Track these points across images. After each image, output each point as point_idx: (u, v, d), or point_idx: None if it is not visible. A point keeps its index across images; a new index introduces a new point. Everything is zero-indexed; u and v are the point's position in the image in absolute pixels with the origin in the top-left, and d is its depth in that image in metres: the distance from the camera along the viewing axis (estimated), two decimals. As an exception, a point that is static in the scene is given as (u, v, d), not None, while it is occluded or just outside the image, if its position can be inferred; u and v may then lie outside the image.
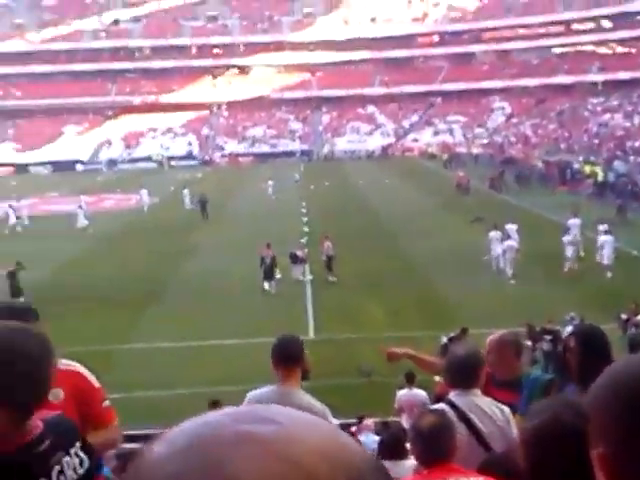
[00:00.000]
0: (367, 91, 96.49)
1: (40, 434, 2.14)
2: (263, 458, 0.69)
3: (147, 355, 20.75)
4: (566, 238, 28.22)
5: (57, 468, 2.14)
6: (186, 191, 48.83)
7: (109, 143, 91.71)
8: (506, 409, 4.89)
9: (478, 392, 4.91)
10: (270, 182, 52.66)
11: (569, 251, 27.79)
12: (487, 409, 4.82)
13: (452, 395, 4.89)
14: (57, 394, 3.51)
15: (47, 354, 2.15)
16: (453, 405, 4.72)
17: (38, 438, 2.13)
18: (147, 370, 19.46)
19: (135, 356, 20.75)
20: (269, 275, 27.48)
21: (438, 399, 5.91)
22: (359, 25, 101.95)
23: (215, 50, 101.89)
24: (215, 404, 13.62)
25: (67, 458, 2.19)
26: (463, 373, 4.87)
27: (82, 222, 41.16)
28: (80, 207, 42.56)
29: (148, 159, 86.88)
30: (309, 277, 28.72)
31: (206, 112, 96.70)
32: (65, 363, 3.76)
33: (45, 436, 2.15)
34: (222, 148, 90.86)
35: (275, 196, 50.66)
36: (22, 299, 25.03)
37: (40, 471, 2.10)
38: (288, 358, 5.08)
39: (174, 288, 28.20)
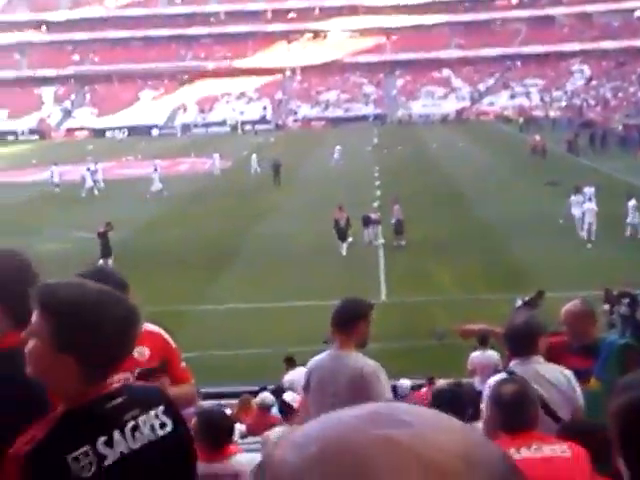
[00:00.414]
0: (442, 54, 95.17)
1: (115, 390, 2.21)
2: (406, 466, 0.67)
3: (221, 316, 20.96)
4: (632, 203, 27.75)
5: (132, 424, 2.17)
6: (254, 156, 48.88)
7: (184, 108, 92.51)
8: (571, 375, 4.79)
9: (540, 359, 4.81)
10: (338, 147, 52.23)
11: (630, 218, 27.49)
12: (551, 376, 4.72)
13: (513, 364, 4.81)
14: (143, 352, 3.71)
15: (133, 320, 2.21)
16: (513, 374, 4.62)
17: (112, 394, 2.18)
18: (221, 330, 19.66)
19: (209, 317, 20.97)
20: (343, 237, 27.54)
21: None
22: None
23: (290, 15, 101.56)
24: (290, 360, 13.74)
25: (144, 417, 2.21)
26: (521, 341, 4.81)
27: (157, 185, 41.62)
28: (155, 170, 43.04)
29: (222, 123, 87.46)
30: (381, 240, 28.58)
31: (280, 76, 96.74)
32: (147, 325, 3.88)
33: (120, 393, 2.21)
34: (295, 112, 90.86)
35: (343, 161, 50.30)
36: (111, 260, 25.61)
37: (111, 424, 2.14)
38: (342, 323, 5.08)
39: (248, 251, 28.40)
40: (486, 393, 4.63)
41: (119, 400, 2.19)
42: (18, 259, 2.70)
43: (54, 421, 2.12)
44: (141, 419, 2.20)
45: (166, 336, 3.99)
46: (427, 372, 13.69)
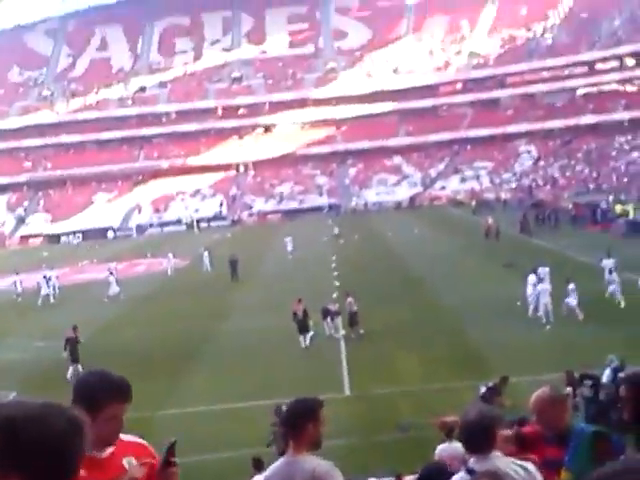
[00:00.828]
0: (392, 142, 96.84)
1: None
2: None
3: (186, 420, 20.58)
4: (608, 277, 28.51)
5: None
6: (206, 254, 49.06)
7: (139, 209, 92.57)
8: (532, 468, 4.73)
9: (498, 454, 4.74)
10: (288, 238, 52.58)
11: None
12: (510, 471, 4.64)
13: (471, 462, 4.72)
14: (131, 462, 3.73)
15: (77, 432, 2.14)
16: (473, 472, 4.56)
17: None
18: (187, 435, 19.26)
19: (174, 421, 20.58)
20: (303, 329, 27.44)
21: None
22: (382, 77, 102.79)
23: (240, 110, 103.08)
24: (257, 461, 13.49)
25: None
26: (478, 437, 4.70)
27: (114, 289, 41.36)
28: (111, 274, 42.80)
29: (178, 222, 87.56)
30: (342, 332, 28.51)
31: (233, 172, 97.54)
32: (127, 436, 3.87)
33: None
34: (250, 207, 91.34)
35: (298, 253, 50.54)
36: (79, 365, 25.11)
37: None
38: (290, 425, 5.01)
39: (209, 350, 28.14)
40: None
41: None
42: None
43: None
44: None
45: (152, 450, 3.94)
46: (394, 467, 13.51)
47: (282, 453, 15.52)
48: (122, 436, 3.83)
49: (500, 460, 4.70)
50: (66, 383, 23.22)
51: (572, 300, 26.86)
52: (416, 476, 12.32)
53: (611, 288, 28.82)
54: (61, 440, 2.08)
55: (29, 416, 2.07)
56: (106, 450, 3.77)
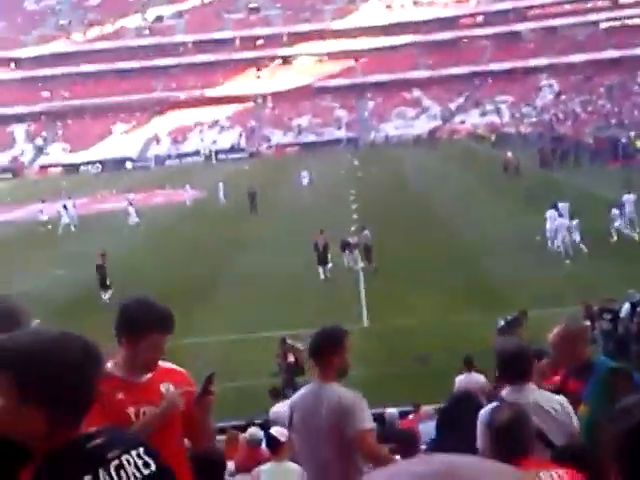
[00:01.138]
0: (412, 75, 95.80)
1: (95, 431, 2.20)
2: None
3: (204, 348, 20.80)
4: (614, 212, 28.28)
5: (115, 462, 2.16)
6: (221, 185, 49.05)
7: (157, 139, 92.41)
8: (564, 401, 4.74)
9: (532, 386, 4.75)
10: (304, 173, 52.51)
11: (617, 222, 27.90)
12: (545, 404, 4.66)
13: (505, 392, 4.74)
14: (169, 389, 3.84)
15: (92, 361, 2.19)
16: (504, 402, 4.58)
17: (91, 434, 2.18)
18: (205, 364, 19.49)
19: (192, 350, 20.79)
20: (323, 261, 27.62)
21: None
22: (402, 9, 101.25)
23: (258, 42, 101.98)
24: (275, 392, 13.69)
25: (126, 456, 2.20)
26: (515, 368, 4.72)
27: (133, 219, 41.59)
28: (131, 204, 42.95)
29: (196, 153, 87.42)
30: (361, 265, 28.60)
31: (251, 104, 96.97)
32: (165, 363, 4.00)
33: (99, 434, 2.20)
34: (268, 139, 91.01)
35: (314, 186, 50.49)
36: (110, 292, 25.81)
37: (95, 463, 2.13)
38: (318, 354, 5.06)
39: (228, 281, 28.32)
40: (480, 420, 4.61)
41: (98, 440, 2.18)
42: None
43: (38, 464, 2.11)
44: (124, 458, 2.19)
45: (190, 377, 4.06)
46: (412, 398, 13.67)
47: (288, 384, 15.73)
48: (162, 363, 3.94)
49: (534, 393, 4.72)
50: (86, 310, 23.52)
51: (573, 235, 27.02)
52: (435, 406, 12.50)
53: (629, 224, 28.71)
54: (76, 370, 2.12)
55: (44, 348, 2.11)
56: (145, 376, 3.83)
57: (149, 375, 3.86)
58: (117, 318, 3.79)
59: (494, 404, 4.66)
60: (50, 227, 42.96)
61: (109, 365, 3.81)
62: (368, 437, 4.90)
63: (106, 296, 26.03)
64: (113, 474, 2.15)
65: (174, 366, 4.06)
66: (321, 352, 5.03)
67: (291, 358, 17.48)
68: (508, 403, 4.48)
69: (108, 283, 26.43)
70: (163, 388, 3.85)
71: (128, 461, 2.19)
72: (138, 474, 2.20)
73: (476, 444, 4.47)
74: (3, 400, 2.09)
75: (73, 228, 42.53)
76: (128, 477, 2.18)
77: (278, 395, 13.40)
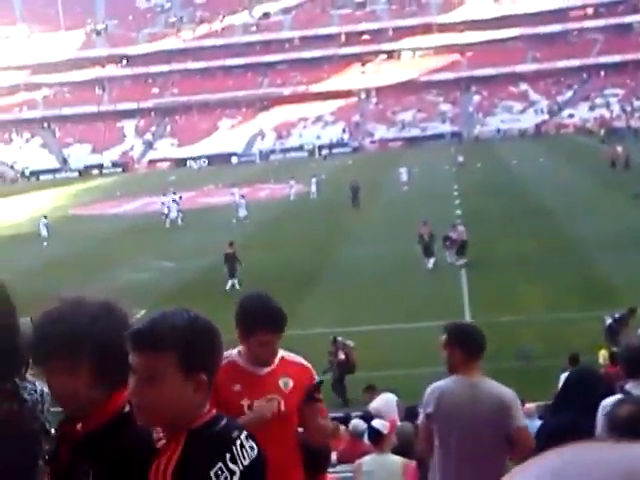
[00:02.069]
0: (519, 68, 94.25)
1: (217, 414, 2.32)
2: None
3: (307, 340, 20.97)
4: None
5: (238, 442, 2.28)
6: (313, 180, 49.43)
7: (262, 135, 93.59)
8: None
9: None
10: (403, 169, 52.10)
11: None
12: None
13: (629, 385, 4.69)
14: (287, 383, 3.92)
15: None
16: (629, 395, 4.52)
17: (216, 416, 2.31)
18: (307, 356, 19.67)
19: (296, 342, 21.01)
20: (428, 252, 27.64)
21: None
22: (510, 2, 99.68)
23: (364, 37, 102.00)
24: (370, 388, 13.71)
25: (242, 437, 2.31)
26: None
27: (243, 212, 42.28)
28: (242, 197, 43.68)
29: (300, 148, 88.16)
30: (463, 260, 28.35)
31: (355, 99, 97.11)
32: (292, 356, 4.10)
33: (221, 416, 2.33)
34: (372, 134, 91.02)
35: (416, 181, 50.14)
36: (236, 280, 26.77)
37: (229, 442, 2.25)
38: (479, 349, 5.03)
39: (332, 274, 28.49)
40: (601, 413, 4.57)
41: (224, 421, 2.31)
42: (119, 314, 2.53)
43: (184, 441, 2.21)
44: (242, 438, 2.30)
45: (313, 373, 4.12)
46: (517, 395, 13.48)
47: (337, 380, 15.56)
48: (287, 356, 4.02)
49: None
50: (192, 302, 24.02)
51: None
52: (538, 403, 12.32)
53: None
54: (219, 341, 2.31)
55: (195, 323, 2.25)
56: (265, 369, 3.91)
57: (271, 367, 3.94)
58: (236, 310, 3.92)
59: (618, 396, 4.62)
60: (161, 219, 43.85)
61: (234, 352, 3.91)
62: (526, 434, 4.97)
63: (228, 285, 26.90)
64: (240, 453, 2.26)
65: (301, 360, 4.12)
66: (479, 347, 5.02)
67: (342, 355, 17.60)
68: (632, 396, 4.45)
69: (237, 271, 27.37)
70: (281, 383, 3.92)
71: (242, 443, 2.29)
72: (252, 454, 2.30)
73: (589, 424, 4.45)
74: (169, 381, 2.20)
75: (180, 221, 43.39)
76: (248, 456, 2.28)
77: (374, 391, 13.43)
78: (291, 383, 3.92)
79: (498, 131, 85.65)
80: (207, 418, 2.27)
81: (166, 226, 42.75)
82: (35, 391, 2.59)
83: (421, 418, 5.31)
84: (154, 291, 25.68)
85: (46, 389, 2.58)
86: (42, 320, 2.44)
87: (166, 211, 43.89)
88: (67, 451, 2.46)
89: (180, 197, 46.52)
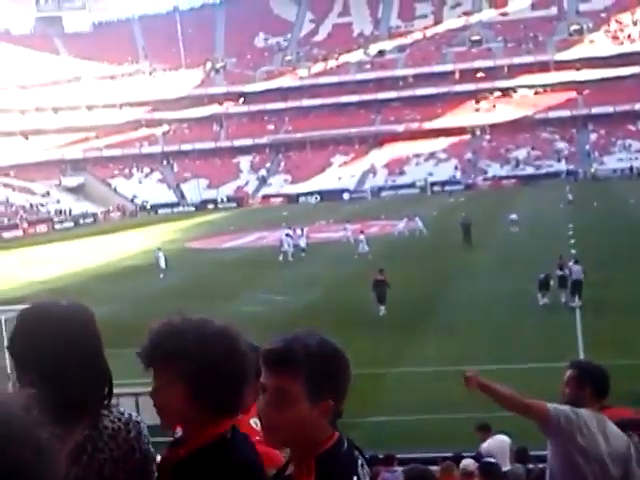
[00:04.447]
0: (637, 106, 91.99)
1: (339, 436, 2.33)
2: None
3: (416, 378, 20.94)
4: None
5: (359, 462, 2.32)
6: (417, 219, 50.07)
7: (374, 171, 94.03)
8: None
9: None
10: (513, 216, 50.62)
11: None
12: None
13: None
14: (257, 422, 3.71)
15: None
16: None
17: (340, 438, 2.32)
18: (413, 394, 19.65)
19: (405, 379, 21.01)
20: (544, 287, 27.57)
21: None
22: (628, 40, 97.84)
23: (478, 74, 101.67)
24: (484, 427, 13.52)
25: (360, 461, 2.34)
26: None
27: (364, 248, 42.65)
28: (362, 232, 44.06)
29: (412, 185, 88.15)
30: (578, 302, 27.75)
31: (468, 136, 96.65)
32: None
33: (341, 438, 2.33)
34: (485, 171, 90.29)
35: (528, 220, 49.26)
36: (384, 306, 27.94)
37: (354, 464, 2.29)
38: (608, 388, 5.07)
39: (443, 311, 28.36)
40: None
41: (346, 443, 2.33)
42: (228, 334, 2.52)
43: (315, 466, 2.23)
44: (360, 462, 2.33)
45: None
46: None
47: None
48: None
49: None
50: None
51: None
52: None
53: None
54: (346, 361, 2.32)
55: (323, 345, 2.28)
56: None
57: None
58: None
59: None
60: (274, 253, 44.51)
61: None
62: None
63: (381, 312, 28.08)
64: (363, 473, 2.30)
65: None
66: (609, 389, 5.08)
67: None
68: None
69: (385, 298, 28.30)
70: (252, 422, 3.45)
71: (362, 463, 2.34)
72: (367, 474, 2.34)
73: None
74: (298, 403, 2.22)
75: (291, 257, 43.84)
76: (366, 476, 2.32)
77: (488, 431, 13.24)
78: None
79: (614, 170, 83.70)
80: (334, 440, 2.28)
81: (279, 259, 43.36)
82: (119, 419, 2.54)
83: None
84: (264, 323, 26.06)
85: (135, 418, 2.59)
86: (160, 327, 2.46)
87: (280, 245, 44.52)
88: (169, 473, 2.48)
89: (294, 231, 47.24)
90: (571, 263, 28.96)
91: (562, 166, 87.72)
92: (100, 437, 2.46)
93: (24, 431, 1.32)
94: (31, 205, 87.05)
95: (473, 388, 5.26)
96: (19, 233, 77.27)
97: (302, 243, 45.49)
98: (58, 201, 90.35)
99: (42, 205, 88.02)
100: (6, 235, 75.21)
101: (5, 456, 1.34)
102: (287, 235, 45.52)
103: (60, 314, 2.43)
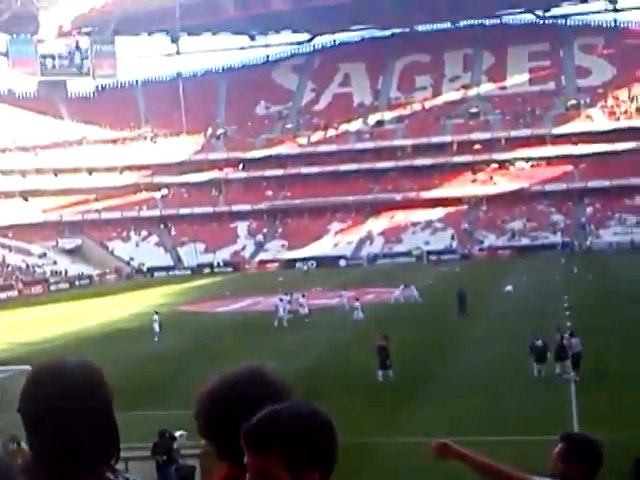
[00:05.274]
0: (634, 181, 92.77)
1: None
2: None
3: (408, 450, 20.74)
4: None
5: None
6: (413, 287, 50.63)
7: (370, 239, 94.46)
8: None
9: None
10: (509, 287, 51.06)
11: None
12: None
13: None
14: None
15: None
16: None
17: None
18: (407, 465, 19.45)
19: (396, 450, 20.83)
20: (540, 359, 27.60)
21: None
22: (624, 115, 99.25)
23: (476, 146, 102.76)
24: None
25: None
26: None
27: (359, 315, 42.79)
28: (357, 300, 44.17)
29: (408, 254, 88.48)
30: (575, 375, 27.61)
31: (465, 207, 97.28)
32: None
33: None
34: (481, 242, 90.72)
35: (525, 290, 49.42)
36: (391, 371, 28.49)
37: None
38: (600, 465, 4.75)
39: (437, 381, 28.24)
40: None
41: None
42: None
43: None
44: None
45: None
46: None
47: None
48: None
49: None
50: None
51: None
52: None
53: None
54: (332, 432, 2.15)
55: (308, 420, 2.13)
56: None
57: None
58: None
59: None
60: (269, 318, 44.48)
61: None
62: None
63: (381, 376, 28.59)
64: None
65: None
66: (601, 466, 4.70)
67: None
68: None
69: (388, 364, 28.72)
70: None
71: None
72: None
73: None
74: None
75: (285, 323, 43.76)
76: None
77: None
78: None
79: (610, 244, 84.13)
80: None
81: (274, 325, 43.28)
82: None
83: None
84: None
85: None
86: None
87: (278, 311, 44.45)
88: None
89: (292, 297, 47.28)
90: (566, 335, 28.91)
91: (558, 238, 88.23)
92: None
93: None
94: (27, 266, 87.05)
95: (444, 456, 4.57)
96: (14, 294, 77.13)
97: (304, 310, 45.32)
98: (55, 262, 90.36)
99: (39, 266, 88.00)
100: (1, 295, 75.05)
101: None
102: (281, 300, 45.49)
103: (71, 373, 2.39)
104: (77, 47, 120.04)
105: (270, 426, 2.08)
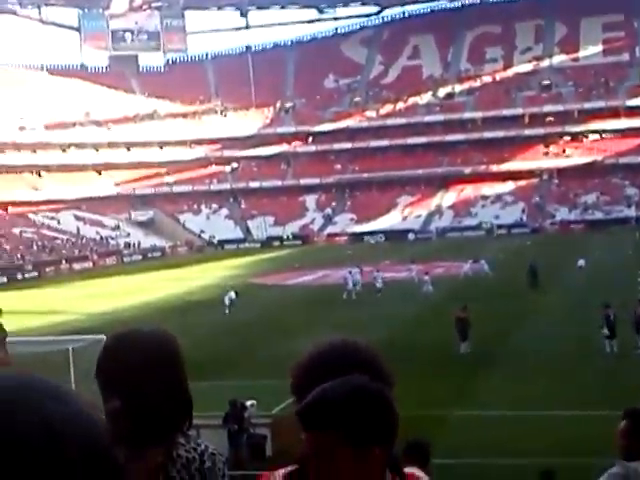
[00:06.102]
0: None
1: None
2: None
3: (479, 422, 20.75)
4: None
5: None
6: (483, 262, 50.41)
7: (440, 213, 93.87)
8: None
9: None
10: (581, 261, 49.91)
11: None
12: None
13: None
14: None
15: None
16: None
17: None
18: (475, 438, 19.45)
19: (467, 422, 20.84)
20: (612, 334, 27.17)
21: None
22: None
23: (548, 118, 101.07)
24: (548, 474, 13.28)
25: None
26: None
27: (428, 289, 42.66)
28: (426, 274, 44.03)
29: (477, 227, 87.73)
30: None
31: (536, 180, 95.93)
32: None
33: None
34: (553, 216, 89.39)
35: (597, 265, 48.55)
36: (467, 343, 28.62)
37: None
38: None
39: (508, 355, 28.13)
40: None
41: None
42: None
43: None
44: None
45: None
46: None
47: None
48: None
49: None
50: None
51: None
52: None
53: None
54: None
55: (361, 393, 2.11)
56: None
57: None
58: None
59: None
60: (338, 291, 44.65)
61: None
62: None
63: (463, 348, 28.57)
64: None
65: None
66: None
67: None
68: None
69: (468, 335, 28.73)
70: None
71: None
72: None
73: None
74: (339, 459, 2.06)
75: (354, 296, 43.91)
76: None
77: (552, 476, 13.02)
78: None
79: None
80: None
81: (343, 297, 43.44)
82: (195, 449, 2.49)
83: None
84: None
85: (211, 450, 2.50)
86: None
87: (348, 284, 44.58)
88: None
89: (360, 271, 47.33)
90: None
91: (632, 212, 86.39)
92: (173, 465, 2.46)
93: (106, 447, 1.35)
94: (101, 237, 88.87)
95: None
96: (89, 265, 78.87)
97: (379, 283, 45.05)
98: (128, 234, 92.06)
99: (112, 238, 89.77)
100: (76, 266, 76.83)
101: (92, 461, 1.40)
102: (350, 273, 45.60)
103: (147, 341, 2.46)
104: (147, 22, 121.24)
105: (321, 400, 2.08)
